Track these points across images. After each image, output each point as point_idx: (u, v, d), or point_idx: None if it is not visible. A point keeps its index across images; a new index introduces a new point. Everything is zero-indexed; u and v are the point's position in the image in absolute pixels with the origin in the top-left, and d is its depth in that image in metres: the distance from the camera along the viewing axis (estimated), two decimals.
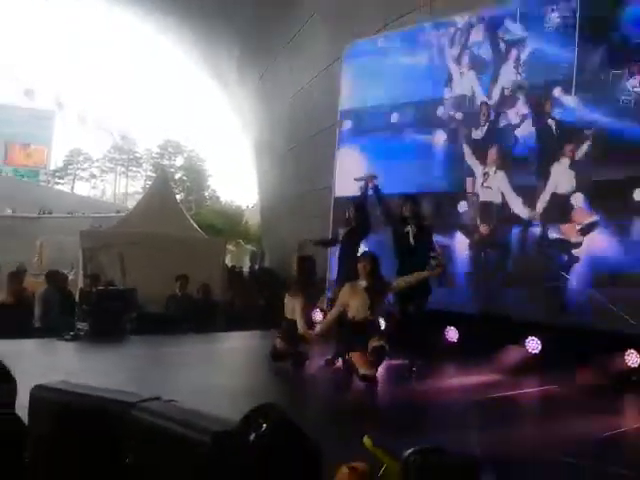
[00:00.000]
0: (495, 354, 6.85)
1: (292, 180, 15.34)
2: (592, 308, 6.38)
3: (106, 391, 2.80)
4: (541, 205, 6.78)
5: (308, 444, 2.05)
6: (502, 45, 7.12)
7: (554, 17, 6.19)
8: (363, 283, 6.17)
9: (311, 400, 5.89)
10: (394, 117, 8.58)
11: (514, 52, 6.94)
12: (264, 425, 2.03)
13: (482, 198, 7.52)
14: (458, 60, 7.86)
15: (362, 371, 5.80)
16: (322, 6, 12.55)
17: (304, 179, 13.94)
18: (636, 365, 6.27)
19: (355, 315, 6.09)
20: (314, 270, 7.28)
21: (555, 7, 6.18)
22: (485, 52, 7.41)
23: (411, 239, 6.59)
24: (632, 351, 6.26)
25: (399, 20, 9.67)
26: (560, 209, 6.57)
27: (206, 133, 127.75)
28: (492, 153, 7.42)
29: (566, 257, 6.63)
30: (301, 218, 14.08)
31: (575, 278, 6.55)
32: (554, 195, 6.66)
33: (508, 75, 7.09)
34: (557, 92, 6.30)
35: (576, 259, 6.55)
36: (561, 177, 6.51)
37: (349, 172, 8.71)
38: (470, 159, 7.69)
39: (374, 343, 5.89)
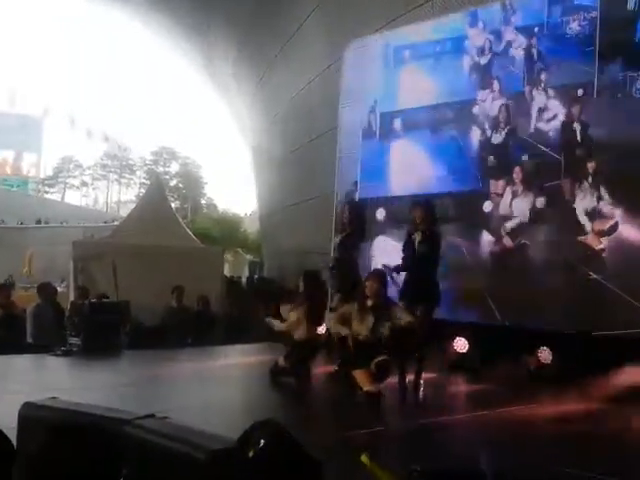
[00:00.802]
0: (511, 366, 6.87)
1: (292, 186, 15.37)
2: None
3: (98, 408, 2.80)
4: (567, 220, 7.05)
5: (308, 459, 2.06)
6: (531, 50, 7.47)
7: (575, 25, 6.90)
8: (369, 302, 6.15)
9: (313, 417, 5.86)
10: (432, 117, 8.61)
11: (541, 56, 7.36)
12: (262, 441, 2.03)
13: (510, 213, 7.65)
14: (486, 65, 8.03)
15: (365, 388, 5.79)
16: (320, 4, 12.59)
17: (304, 185, 13.96)
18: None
19: (358, 334, 6.09)
20: (320, 284, 7.28)
21: (576, 16, 6.88)
22: (513, 56, 7.69)
23: (416, 247, 6.38)
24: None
25: (401, 18, 9.71)
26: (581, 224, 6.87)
27: (202, 138, 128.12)
28: (517, 171, 7.54)
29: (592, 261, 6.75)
30: (302, 225, 14.11)
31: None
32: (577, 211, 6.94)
33: (535, 78, 7.41)
34: (580, 92, 6.85)
35: (602, 261, 6.67)
36: (583, 196, 6.87)
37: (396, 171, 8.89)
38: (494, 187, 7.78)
39: (378, 358, 5.87)
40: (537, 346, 7.03)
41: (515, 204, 7.55)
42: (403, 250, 6.61)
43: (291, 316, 6.83)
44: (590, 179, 6.79)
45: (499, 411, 5.63)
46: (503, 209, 7.66)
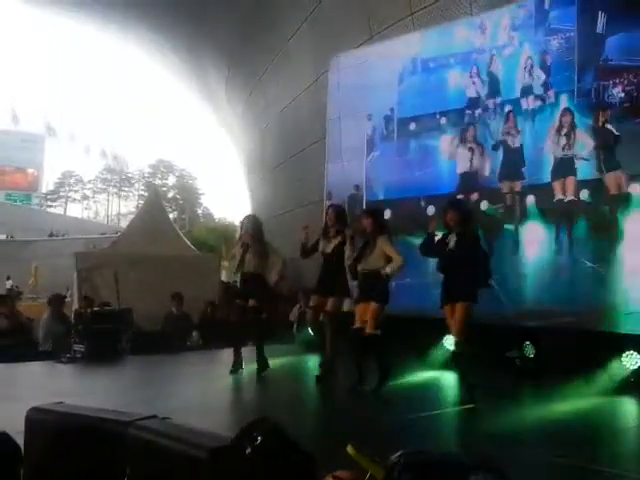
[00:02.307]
0: None
1: (282, 195, 15.38)
2: None
3: (102, 411, 2.80)
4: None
5: (302, 455, 2.07)
6: (526, 62, 8.05)
7: (555, 43, 7.80)
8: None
9: (308, 417, 5.78)
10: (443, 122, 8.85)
11: (532, 67, 8.01)
12: (259, 439, 2.04)
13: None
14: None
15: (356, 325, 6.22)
16: (307, 21, 12.63)
17: (294, 194, 13.97)
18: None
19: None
20: (262, 234, 7.37)
21: (555, 37, 7.78)
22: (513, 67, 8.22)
23: (452, 249, 5.99)
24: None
25: (382, 33, 9.78)
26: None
27: (197, 151, 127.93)
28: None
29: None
30: (293, 232, 14.10)
31: None
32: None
33: (528, 86, 8.01)
34: (564, 98, 7.62)
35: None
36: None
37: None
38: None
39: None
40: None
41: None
42: (435, 251, 6.26)
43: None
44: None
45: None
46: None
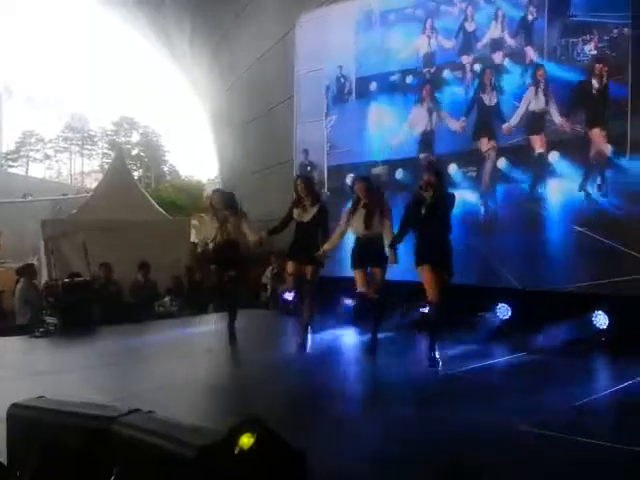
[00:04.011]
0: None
1: (251, 155, 15.19)
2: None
3: (85, 406, 2.77)
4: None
5: (293, 454, 2.08)
6: (498, 19, 7.94)
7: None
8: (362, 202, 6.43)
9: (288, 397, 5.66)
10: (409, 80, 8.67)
11: (504, 24, 7.90)
12: (251, 439, 2.04)
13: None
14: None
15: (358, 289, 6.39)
16: None
17: (263, 154, 13.82)
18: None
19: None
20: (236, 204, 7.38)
21: None
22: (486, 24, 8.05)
23: (423, 210, 5.95)
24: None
25: None
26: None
27: (161, 107, 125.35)
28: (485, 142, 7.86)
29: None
30: (263, 191, 14.01)
31: None
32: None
33: (500, 43, 7.91)
34: (536, 55, 7.51)
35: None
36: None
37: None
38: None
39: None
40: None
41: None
42: (409, 212, 6.17)
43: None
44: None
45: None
46: None
